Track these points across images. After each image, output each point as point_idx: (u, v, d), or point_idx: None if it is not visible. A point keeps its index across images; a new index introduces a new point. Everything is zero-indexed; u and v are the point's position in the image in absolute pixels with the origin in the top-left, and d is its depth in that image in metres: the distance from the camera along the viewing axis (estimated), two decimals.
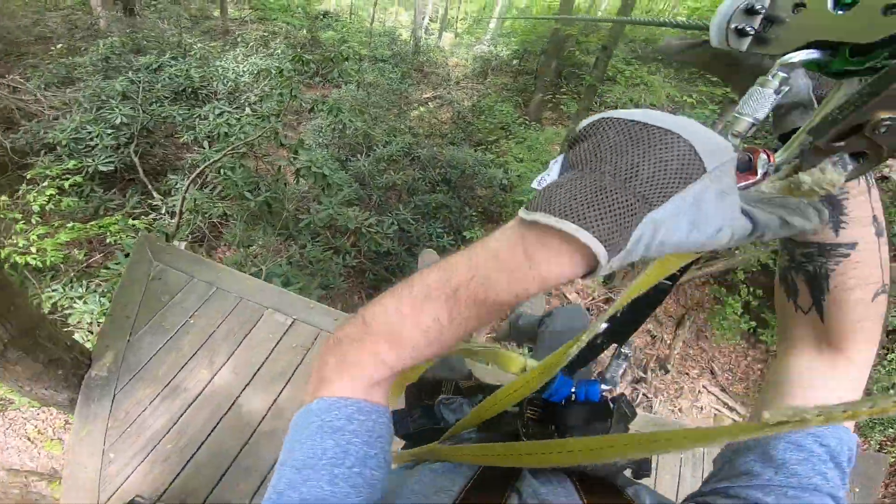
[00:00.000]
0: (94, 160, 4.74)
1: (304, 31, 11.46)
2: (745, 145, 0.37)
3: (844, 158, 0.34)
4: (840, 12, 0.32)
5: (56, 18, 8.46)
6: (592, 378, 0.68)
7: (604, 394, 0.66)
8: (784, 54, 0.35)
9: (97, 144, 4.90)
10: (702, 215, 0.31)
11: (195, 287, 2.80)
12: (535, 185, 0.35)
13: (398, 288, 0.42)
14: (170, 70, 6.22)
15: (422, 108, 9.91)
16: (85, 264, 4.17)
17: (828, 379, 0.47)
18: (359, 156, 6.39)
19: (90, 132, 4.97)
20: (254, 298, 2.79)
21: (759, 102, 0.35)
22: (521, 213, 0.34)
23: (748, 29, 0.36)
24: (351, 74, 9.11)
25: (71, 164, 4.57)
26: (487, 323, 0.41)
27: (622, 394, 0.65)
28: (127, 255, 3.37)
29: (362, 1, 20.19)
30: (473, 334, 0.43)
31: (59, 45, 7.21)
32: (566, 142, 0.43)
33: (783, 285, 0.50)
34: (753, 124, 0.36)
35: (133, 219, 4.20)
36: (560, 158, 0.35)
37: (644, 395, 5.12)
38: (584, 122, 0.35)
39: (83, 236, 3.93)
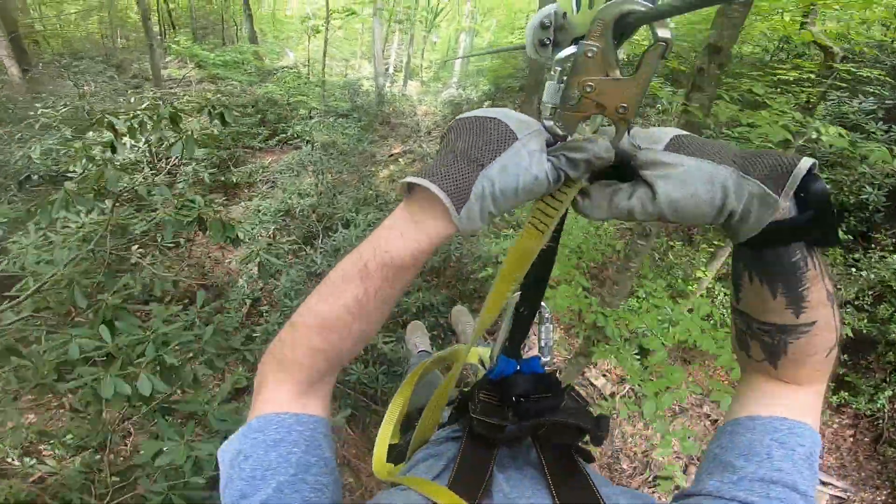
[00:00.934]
0: None
1: (256, 89, 10.16)
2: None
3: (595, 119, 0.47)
4: (576, 11, 0.45)
5: None
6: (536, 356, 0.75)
7: (545, 367, 0.73)
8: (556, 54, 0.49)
9: None
10: (521, 167, 0.44)
11: None
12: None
13: (317, 288, 0.49)
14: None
15: (391, 167, 8.57)
16: None
17: (788, 401, 0.51)
18: (312, 243, 4.87)
19: None
20: None
21: (549, 92, 0.47)
22: (402, 181, 0.46)
23: (545, 40, 0.49)
24: (305, 133, 7.78)
25: None
26: (400, 288, 0.48)
27: (570, 385, 0.68)
28: None
29: (321, 54, 19.69)
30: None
31: None
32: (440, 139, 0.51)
33: (737, 343, 0.55)
34: (554, 107, 0.47)
35: None
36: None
37: None
38: (451, 123, 0.50)
39: None
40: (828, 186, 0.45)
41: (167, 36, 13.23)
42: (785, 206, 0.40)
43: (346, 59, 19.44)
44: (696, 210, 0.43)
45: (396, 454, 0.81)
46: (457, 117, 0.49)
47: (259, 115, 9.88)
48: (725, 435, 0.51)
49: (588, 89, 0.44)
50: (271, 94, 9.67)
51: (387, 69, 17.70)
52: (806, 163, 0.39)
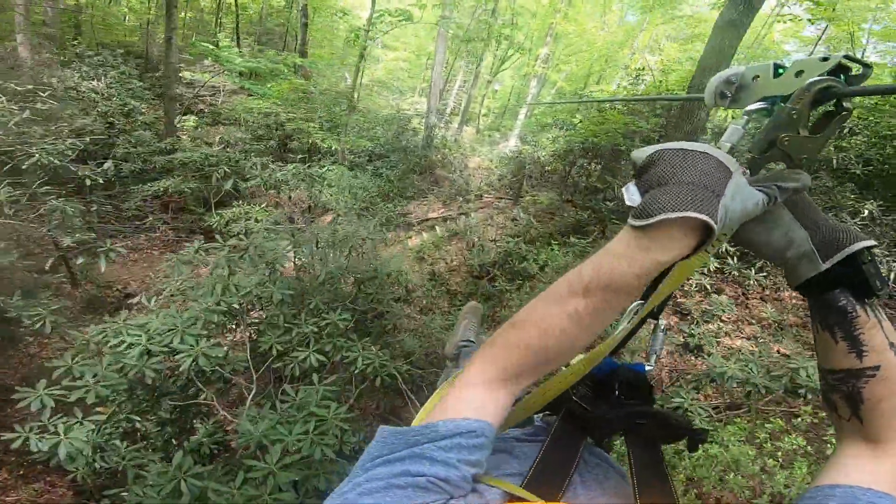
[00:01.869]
0: None
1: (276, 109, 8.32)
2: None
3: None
4: (776, 79, 0.55)
5: None
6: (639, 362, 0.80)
7: (648, 369, 0.79)
8: (747, 106, 0.58)
9: None
10: (744, 195, 0.49)
11: None
12: (627, 202, 0.51)
13: (538, 296, 0.55)
14: None
15: (424, 235, 6.34)
16: None
17: (870, 467, 0.52)
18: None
19: None
20: None
21: (733, 133, 0.57)
22: (633, 222, 0.48)
23: (727, 93, 0.60)
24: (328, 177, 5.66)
25: None
26: (618, 310, 0.52)
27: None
28: None
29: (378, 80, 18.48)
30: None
31: None
32: (633, 172, 0.55)
33: (825, 403, 0.58)
34: (732, 147, 0.56)
35: None
36: (630, 186, 0.53)
37: None
38: (644, 155, 0.53)
39: None
40: (874, 260, 0.52)
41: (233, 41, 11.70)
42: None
43: (402, 93, 17.82)
44: (764, 248, 0.57)
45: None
46: (659, 147, 0.52)
47: (272, 142, 8.05)
48: (805, 502, 0.51)
49: (786, 143, 0.52)
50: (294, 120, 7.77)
51: (444, 108, 16.03)
52: (859, 245, 0.51)
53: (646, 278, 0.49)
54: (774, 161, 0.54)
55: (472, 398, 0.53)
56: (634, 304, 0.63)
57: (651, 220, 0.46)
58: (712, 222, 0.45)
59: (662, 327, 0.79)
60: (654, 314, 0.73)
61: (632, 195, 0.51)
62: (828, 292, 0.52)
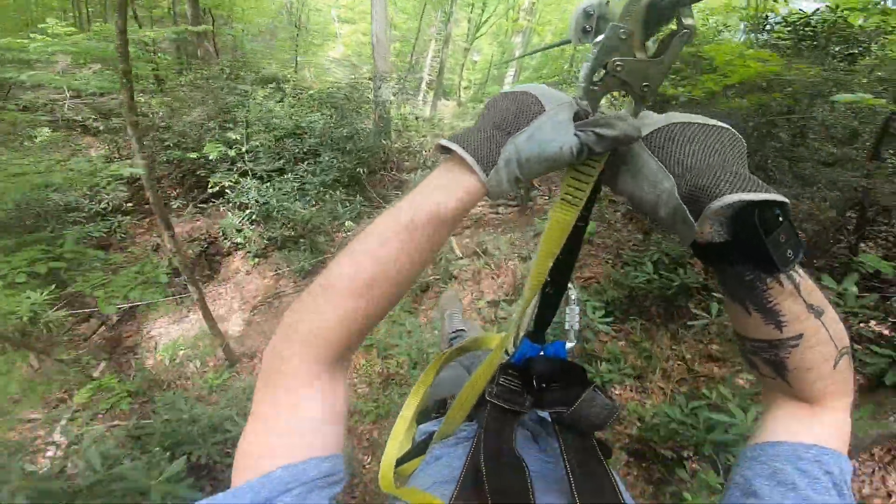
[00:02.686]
0: None
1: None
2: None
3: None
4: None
5: None
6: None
7: (570, 351, 0.71)
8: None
9: None
10: (546, 137, 0.46)
11: None
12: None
13: (349, 248, 0.46)
14: None
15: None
16: None
17: (812, 424, 0.48)
18: None
19: None
20: None
21: (584, 73, 0.49)
22: (436, 143, 0.48)
23: (588, 27, 0.51)
24: None
25: None
26: (438, 245, 0.47)
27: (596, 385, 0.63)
28: None
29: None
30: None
31: None
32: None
33: (745, 362, 0.53)
34: (582, 86, 0.49)
35: None
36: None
37: None
38: (487, 98, 0.52)
39: None
40: (784, 220, 0.39)
41: None
42: (710, 230, 0.41)
43: (356, 67, 14.86)
44: (640, 205, 0.48)
45: (416, 449, 0.74)
46: (498, 94, 0.52)
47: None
48: (748, 461, 0.49)
49: (618, 68, 0.46)
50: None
51: (411, 77, 13.19)
52: (733, 197, 0.38)
53: (462, 211, 0.47)
54: (614, 91, 0.49)
55: (309, 409, 0.44)
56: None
57: (439, 142, 0.48)
58: (467, 157, 0.45)
59: (574, 298, 0.76)
60: (559, 284, 0.66)
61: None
62: (727, 264, 0.44)
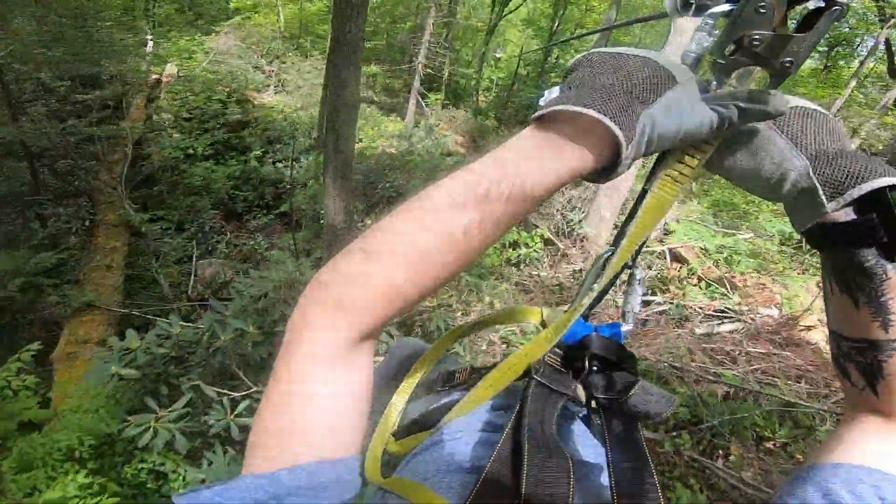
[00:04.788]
0: None
1: None
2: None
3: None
4: None
5: None
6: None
7: (625, 331, 0.66)
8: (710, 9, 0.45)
9: None
10: (684, 112, 0.40)
11: None
12: (540, 102, 0.42)
13: (403, 210, 0.41)
14: None
15: None
16: None
17: (879, 444, 0.46)
18: None
19: None
20: None
21: (698, 42, 0.45)
22: (537, 114, 0.40)
23: (691, 0, 0.46)
24: None
25: None
26: (511, 224, 0.41)
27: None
28: None
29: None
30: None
31: None
32: (563, 76, 0.46)
33: (836, 367, 0.50)
34: (698, 58, 0.45)
35: None
36: (555, 89, 0.43)
37: None
38: (573, 60, 0.45)
39: None
40: None
41: None
42: (839, 212, 0.40)
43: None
44: (755, 182, 0.45)
45: (417, 423, 0.64)
46: (590, 51, 0.45)
47: None
48: (800, 482, 0.45)
49: (756, 42, 0.41)
50: None
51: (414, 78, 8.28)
52: (882, 181, 0.38)
53: (553, 190, 0.40)
54: (751, 67, 0.44)
55: (327, 397, 0.39)
56: (605, 251, 0.53)
57: (544, 111, 0.40)
58: (614, 127, 0.37)
59: (639, 279, 0.68)
60: (629, 264, 0.62)
61: (548, 95, 0.43)
62: (847, 246, 0.41)
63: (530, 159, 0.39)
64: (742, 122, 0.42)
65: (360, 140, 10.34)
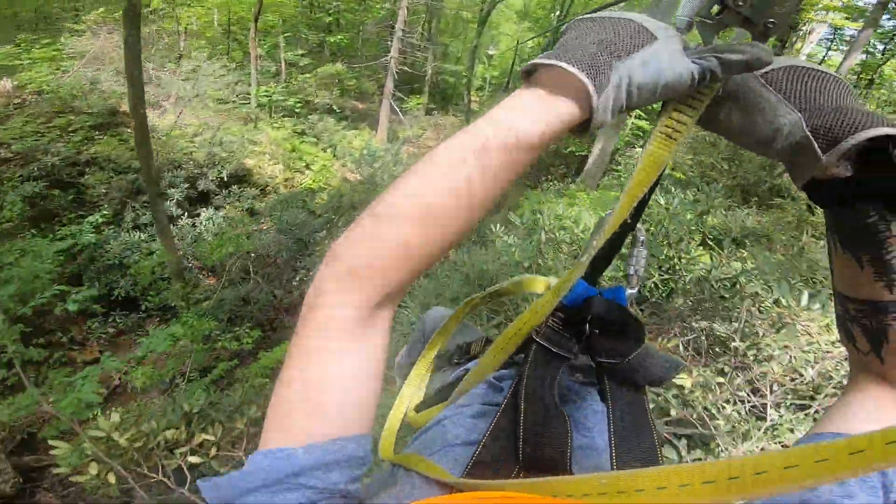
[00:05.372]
0: None
1: None
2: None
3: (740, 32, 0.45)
4: None
5: None
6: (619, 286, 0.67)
7: (629, 294, 0.67)
8: None
9: None
10: (663, 64, 0.41)
11: None
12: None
13: (409, 171, 0.42)
14: None
15: None
16: None
17: (881, 412, 0.45)
18: None
19: None
20: None
21: (688, 5, 0.45)
22: (522, 69, 0.43)
23: None
24: None
25: None
26: (515, 175, 0.43)
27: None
28: None
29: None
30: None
31: None
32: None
33: (841, 331, 0.50)
34: (690, 21, 0.46)
35: None
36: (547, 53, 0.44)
37: None
38: (564, 25, 0.47)
39: None
40: None
41: None
42: (837, 165, 0.40)
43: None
44: (750, 138, 0.46)
45: (435, 396, 0.69)
46: (576, 18, 0.47)
47: None
48: None
49: (740, 3, 0.43)
50: None
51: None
52: (877, 131, 0.37)
53: (547, 139, 0.42)
54: (734, 27, 0.45)
55: (340, 371, 0.40)
56: (606, 214, 0.53)
57: (526, 66, 0.43)
58: (581, 75, 0.40)
59: (642, 240, 0.70)
60: (629, 224, 0.63)
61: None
62: (849, 202, 0.41)
63: (520, 111, 0.41)
64: (726, 74, 0.42)
65: (307, 167, 7.71)
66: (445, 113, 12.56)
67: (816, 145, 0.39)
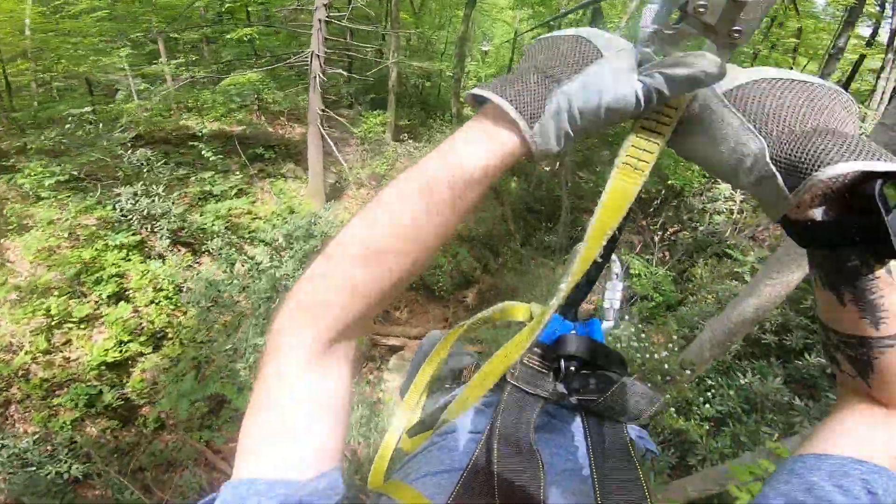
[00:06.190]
0: None
1: None
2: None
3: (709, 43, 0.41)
4: None
5: None
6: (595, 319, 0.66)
7: (606, 328, 0.66)
8: None
9: None
10: (604, 85, 0.39)
11: None
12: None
13: (360, 211, 0.43)
14: None
15: None
16: None
17: (869, 434, 0.44)
18: None
19: None
20: None
21: (649, 17, 0.42)
22: (467, 96, 0.43)
23: None
24: None
25: None
26: (463, 210, 0.42)
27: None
28: None
29: None
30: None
31: None
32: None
33: (826, 356, 0.49)
34: (653, 31, 0.42)
35: None
36: None
37: None
38: (525, 46, 0.46)
39: None
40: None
41: None
42: (810, 205, 0.36)
43: None
44: (715, 171, 0.43)
45: (424, 422, 0.68)
46: (537, 39, 0.46)
47: None
48: (784, 476, 0.44)
49: (701, 9, 0.38)
50: None
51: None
52: (842, 167, 0.33)
53: (492, 172, 0.42)
54: (697, 36, 0.41)
55: (301, 403, 0.40)
56: (580, 245, 0.50)
57: (471, 92, 0.43)
58: (513, 112, 0.39)
59: (617, 272, 0.68)
60: (600, 263, 0.62)
61: None
62: (826, 246, 0.38)
63: (468, 143, 0.41)
64: (674, 93, 0.39)
65: (99, 311, 3.65)
66: (427, 128, 9.01)
67: (781, 181, 0.36)
